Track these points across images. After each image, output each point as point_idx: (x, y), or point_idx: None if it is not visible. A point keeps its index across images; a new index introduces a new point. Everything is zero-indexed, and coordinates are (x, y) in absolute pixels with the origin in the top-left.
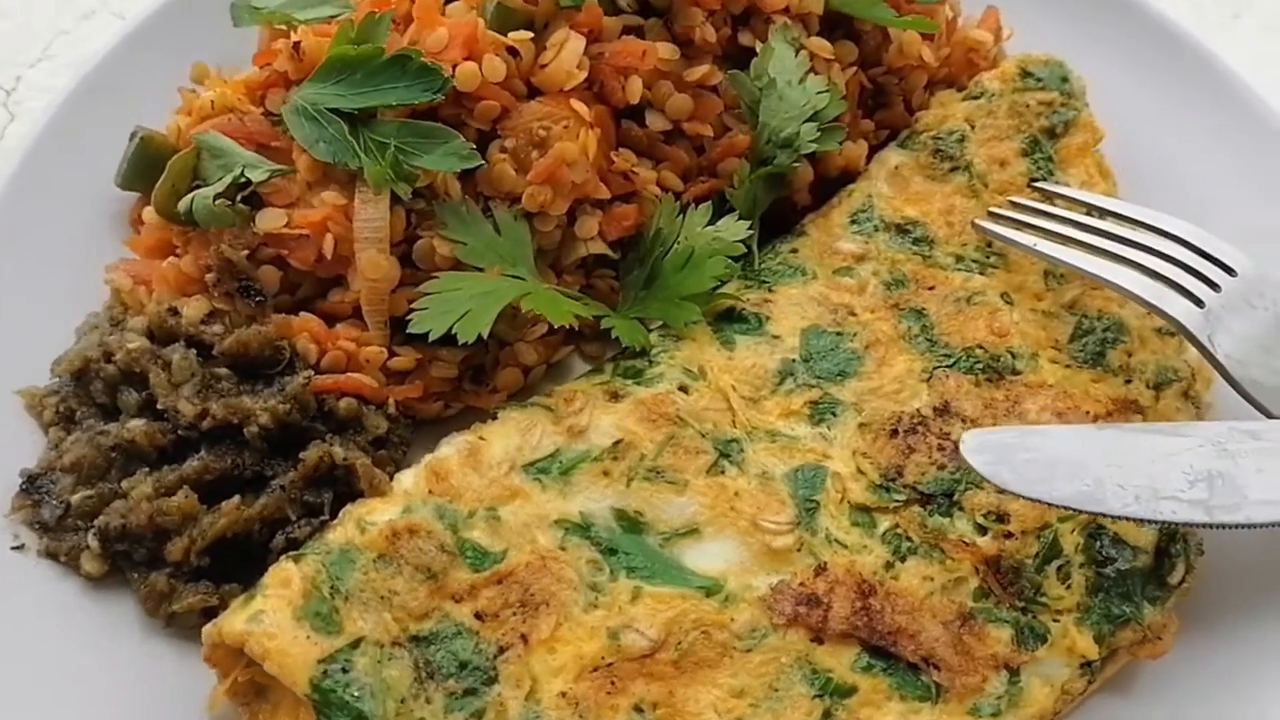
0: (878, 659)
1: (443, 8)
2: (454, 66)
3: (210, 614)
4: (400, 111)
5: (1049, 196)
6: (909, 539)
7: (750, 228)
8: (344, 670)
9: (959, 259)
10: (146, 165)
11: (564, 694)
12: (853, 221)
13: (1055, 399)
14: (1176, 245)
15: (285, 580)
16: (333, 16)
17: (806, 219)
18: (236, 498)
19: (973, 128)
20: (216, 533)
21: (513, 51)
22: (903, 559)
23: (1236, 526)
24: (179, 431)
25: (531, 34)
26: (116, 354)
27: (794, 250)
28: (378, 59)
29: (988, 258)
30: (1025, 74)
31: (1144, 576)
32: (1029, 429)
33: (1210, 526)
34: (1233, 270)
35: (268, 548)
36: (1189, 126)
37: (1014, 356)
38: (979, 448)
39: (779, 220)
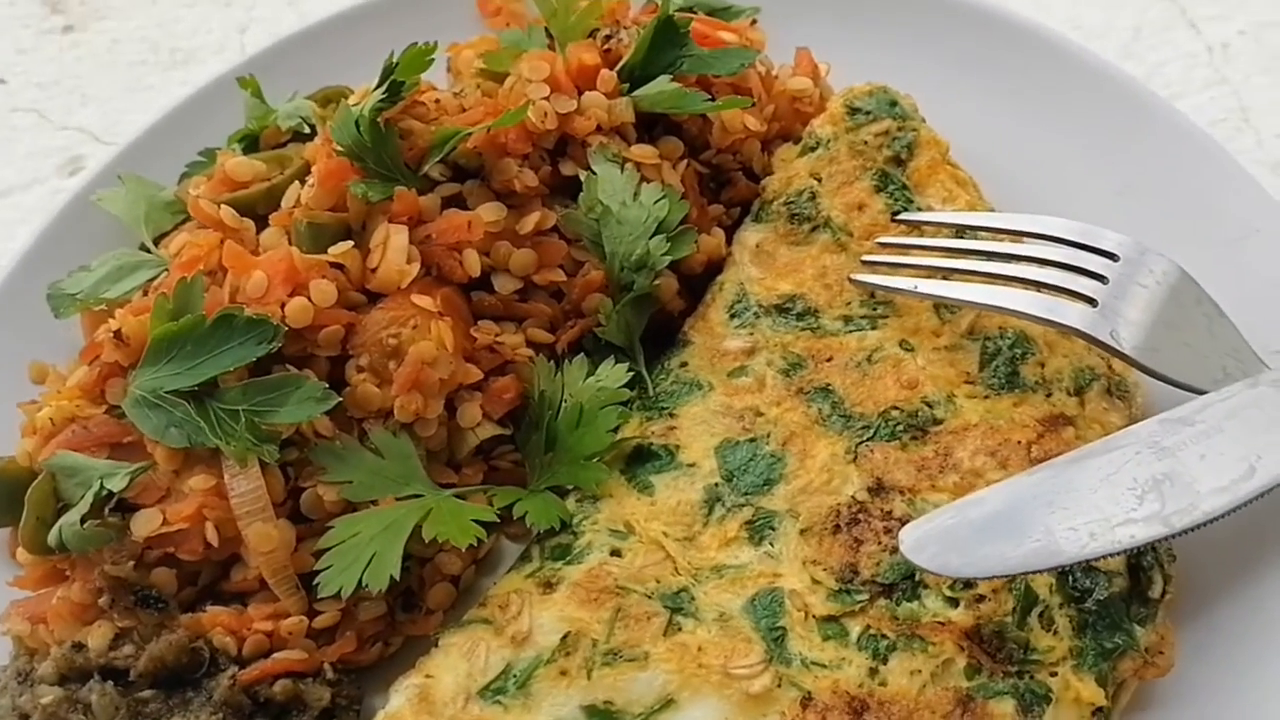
0: None
1: (256, 243)
2: (282, 306)
3: None
4: (240, 373)
5: (915, 226)
6: (884, 636)
7: (630, 368)
8: None
9: (847, 320)
10: (8, 498)
11: None
12: (732, 316)
13: (984, 437)
14: (1054, 245)
15: None
16: (149, 280)
17: (686, 325)
18: None
19: (819, 180)
20: None
21: (337, 266)
22: (884, 660)
23: (1199, 527)
24: None
25: (350, 242)
26: (32, 715)
27: (684, 364)
28: (201, 327)
29: (875, 309)
30: (853, 110)
31: (1125, 599)
32: (962, 503)
33: (1173, 537)
34: (1114, 255)
35: None
36: (1023, 105)
37: (930, 406)
38: (919, 544)
39: (660, 332)
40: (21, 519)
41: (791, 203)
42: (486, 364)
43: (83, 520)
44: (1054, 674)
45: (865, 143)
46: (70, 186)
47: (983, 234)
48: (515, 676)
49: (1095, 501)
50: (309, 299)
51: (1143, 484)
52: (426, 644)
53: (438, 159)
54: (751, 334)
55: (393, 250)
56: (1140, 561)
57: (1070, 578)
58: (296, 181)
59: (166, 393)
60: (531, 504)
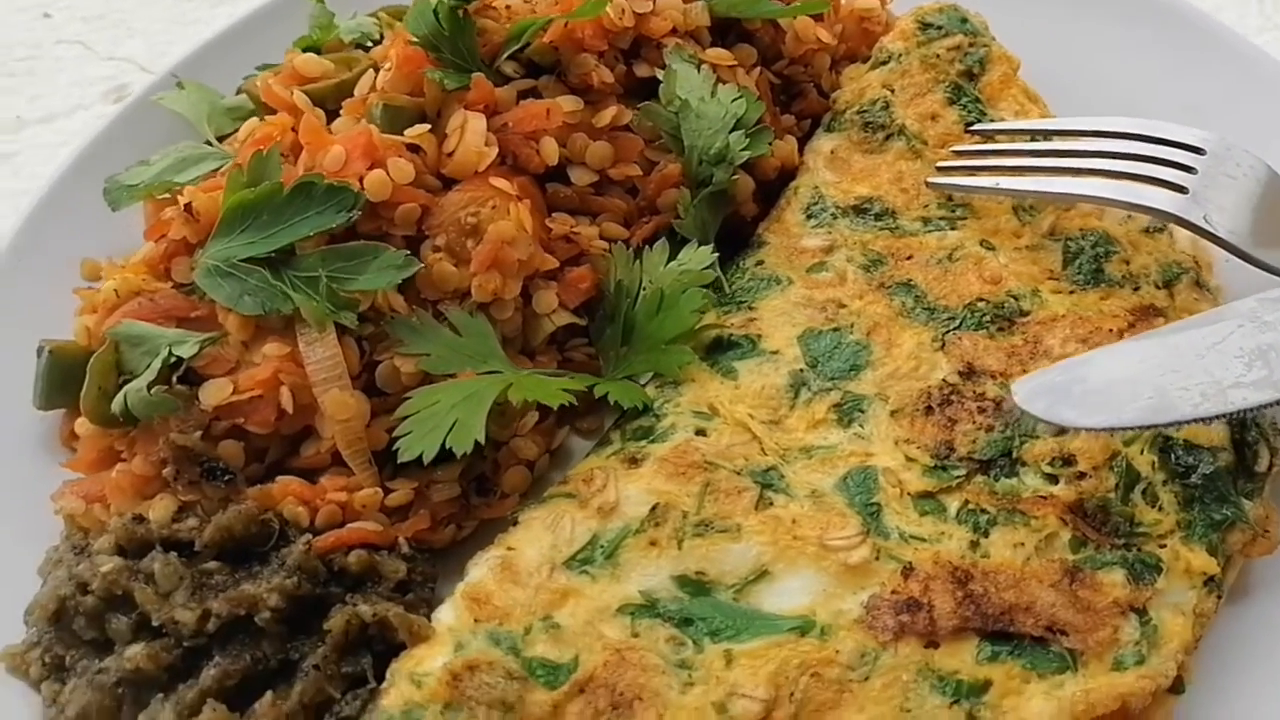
0: (1000, 644)
1: (326, 127)
2: (360, 180)
3: None
4: (318, 241)
5: (990, 136)
6: (984, 511)
7: (711, 252)
8: None
9: (925, 221)
10: (64, 378)
11: None
12: (808, 217)
13: (1074, 327)
14: (1136, 143)
15: None
16: (215, 169)
17: (760, 228)
18: (269, 694)
19: (892, 92)
20: None
21: (414, 149)
22: (985, 534)
23: None
24: (184, 644)
25: (428, 126)
26: (92, 583)
27: (759, 263)
28: (279, 195)
29: (954, 211)
30: (924, 26)
31: (1231, 474)
32: (1072, 362)
33: None
34: (1200, 149)
35: None
36: (1090, 28)
37: (1016, 299)
38: (1032, 394)
39: (733, 238)
40: (81, 392)
41: (864, 111)
42: (562, 254)
43: (149, 387)
44: (1163, 546)
45: (937, 56)
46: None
47: (1060, 139)
48: (603, 547)
49: (1204, 366)
50: (387, 174)
51: (1249, 353)
52: (501, 529)
53: (513, 50)
54: (829, 233)
55: (470, 134)
56: (1245, 437)
57: (1173, 455)
58: (371, 70)
59: (240, 261)
60: (612, 386)
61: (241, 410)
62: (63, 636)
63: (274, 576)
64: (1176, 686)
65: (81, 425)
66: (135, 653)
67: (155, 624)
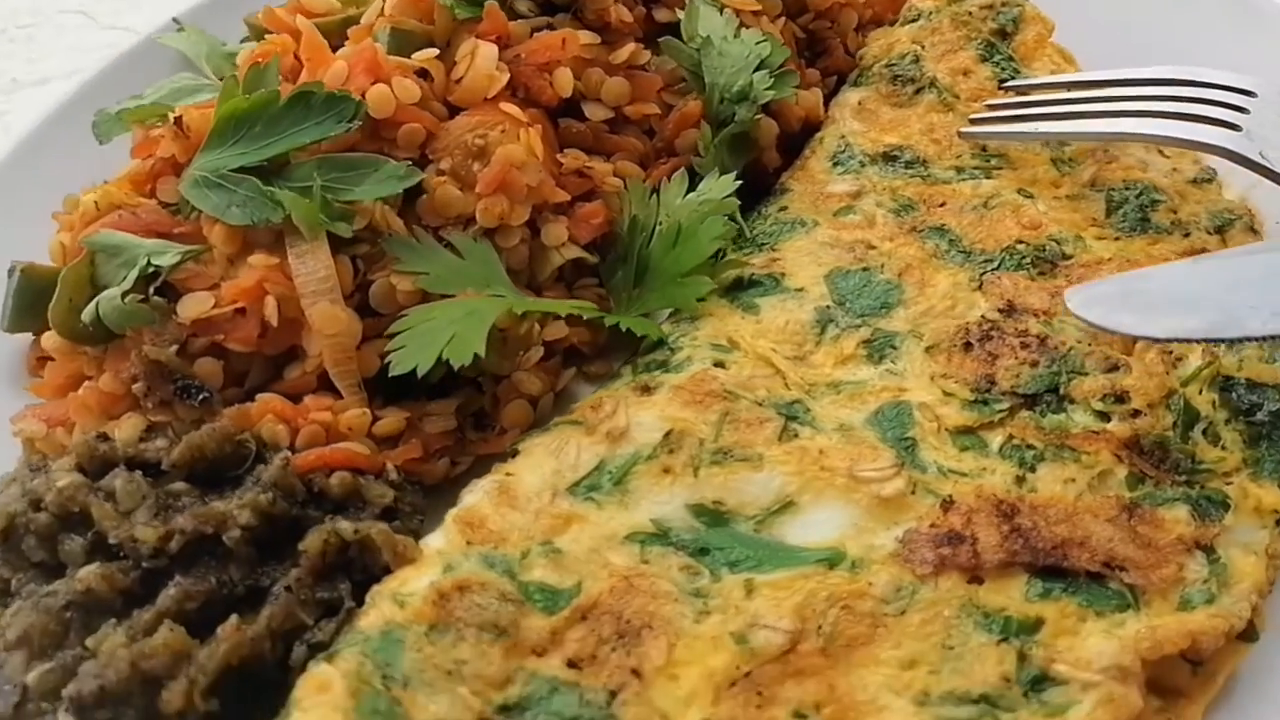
0: (1052, 581)
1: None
2: (362, 95)
3: None
4: (314, 151)
5: (1024, 91)
6: (1030, 447)
7: (736, 178)
8: None
9: (959, 170)
10: (34, 298)
11: None
12: (835, 164)
13: (1121, 268)
14: (1183, 87)
15: (323, 685)
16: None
17: (783, 178)
18: (234, 617)
19: (922, 48)
20: (219, 664)
21: (422, 74)
22: (1032, 469)
23: None
24: (143, 565)
25: (437, 51)
26: (46, 498)
27: (783, 208)
28: (275, 104)
29: (988, 161)
30: None
31: None
32: (1130, 275)
33: None
34: (1251, 92)
35: (287, 666)
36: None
37: (1058, 243)
38: (1087, 302)
39: (755, 189)
40: (51, 304)
41: (893, 65)
42: (574, 189)
43: (124, 297)
44: (1229, 483)
45: (970, 14)
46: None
47: (1101, 88)
48: (610, 473)
49: (1270, 287)
50: (391, 91)
51: None
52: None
53: None
54: (857, 178)
55: (481, 59)
56: None
57: (1235, 393)
58: (378, 2)
59: (230, 171)
60: (624, 319)
61: (221, 326)
62: (10, 559)
63: (247, 493)
64: (1249, 633)
65: (49, 339)
66: (88, 573)
67: (112, 543)
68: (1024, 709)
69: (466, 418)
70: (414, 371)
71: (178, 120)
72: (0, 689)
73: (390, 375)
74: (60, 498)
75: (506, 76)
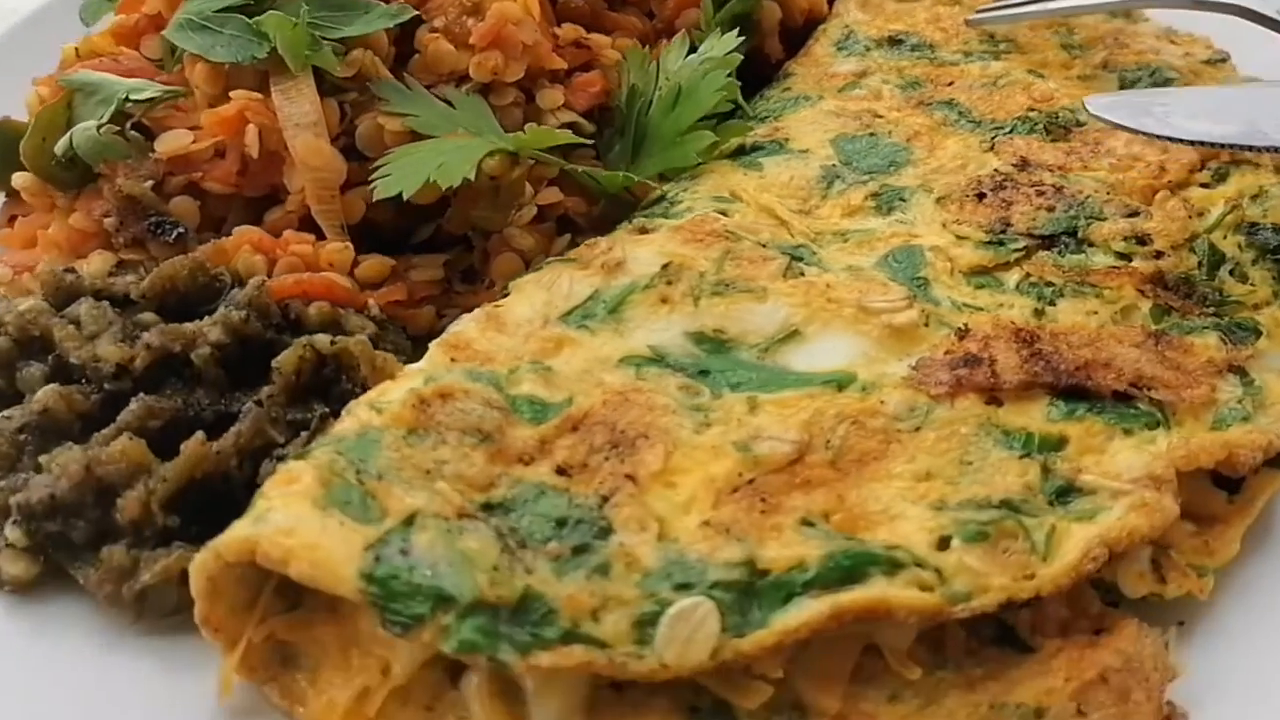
0: (1076, 401)
1: None
2: None
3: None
4: None
5: None
6: (1049, 283)
7: (738, 35)
8: (403, 553)
9: (967, 54)
10: (6, 151)
11: (707, 523)
12: (839, 49)
13: (1133, 141)
14: None
15: (292, 478)
16: None
17: (787, 65)
18: (200, 433)
19: None
20: (181, 475)
21: None
22: (1051, 303)
23: None
24: (105, 386)
25: None
26: (6, 320)
27: (786, 89)
28: None
29: (997, 46)
30: None
31: None
32: (1151, 91)
33: None
34: None
35: (254, 486)
36: None
37: (1072, 112)
38: (1110, 106)
39: (757, 78)
40: (23, 140)
41: None
42: (572, 60)
43: (99, 128)
44: (1258, 313)
45: None
46: None
47: None
48: (605, 302)
49: None
50: None
51: None
52: None
53: None
54: (863, 60)
55: None
56: None
57: (1260, 235)
58: None
59: (216, 12)
60: (618, 176)
61: (200, 164)
62: None
63: (219, 314)
64: None
65: (20, 178)
66: (45, 392)
67: (73, 363)
68: (1049, 514)
69: (455, 272)
70: (402, 225)
71: None
72: None
73: (375, 199)
74: (20, 320)
75: None
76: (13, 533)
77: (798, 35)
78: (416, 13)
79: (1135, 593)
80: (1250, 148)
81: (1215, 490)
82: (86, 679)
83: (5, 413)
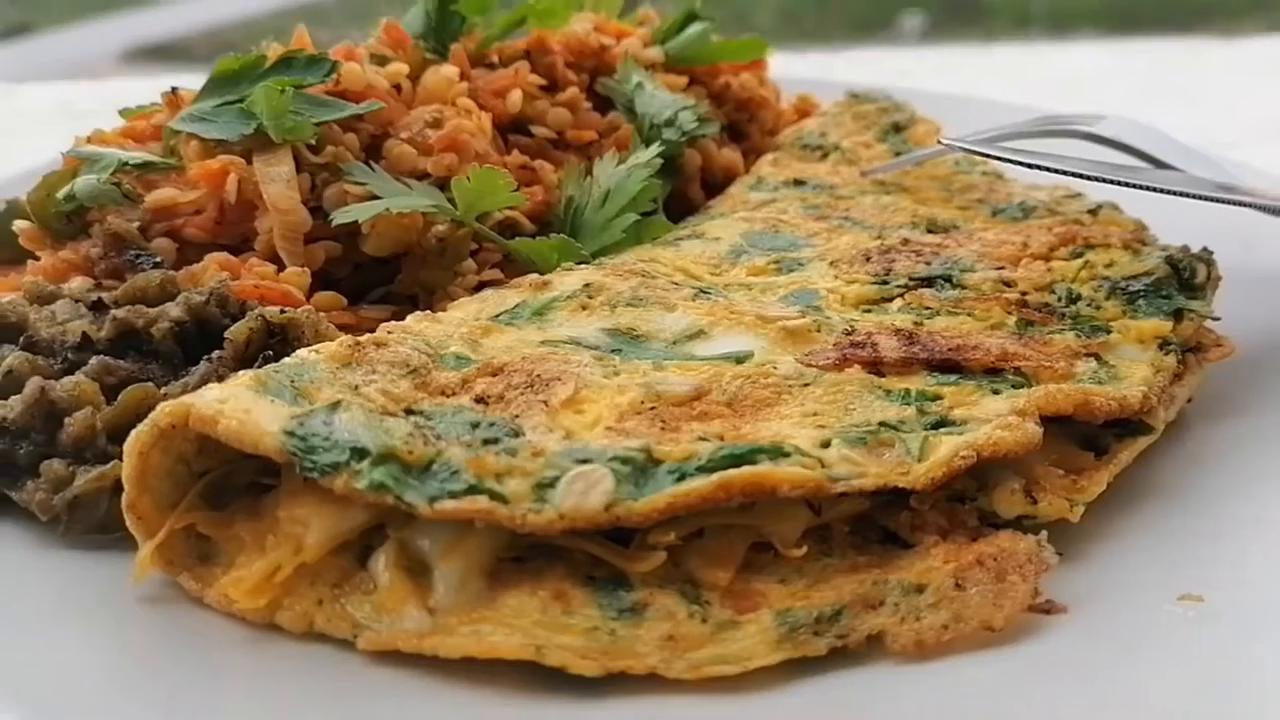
0: (950, 374)
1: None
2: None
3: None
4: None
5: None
6: (926, 308)
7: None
8: (325, 424)
9: (863, 191)
10: (10, 229)
11: (610, 428)
12: (752, 189)
13: (1005, 230)
14: (1053, 117)
15: (231, 379)
16: None
17: (707, 203)
18: (150, 383)
19: (826, 133)
20: (126, 408)
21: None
22: (930, 319)
23: (1249, 204)
24: (69, 356)
25: (408, 70)
26: None
27: (705, 211)
28: (262, 64)
29: (887, 189)
30: (854, 96)
31: (1170, 284)
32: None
33: (1229, 202)
34: (1103, 115)
35: None
36: None
37: (950, 220)
38: (962, 141)
39: (678, 220)
40: (28, 194)
41: (802, 139)
42: (519, 178)
43: (99, 181)
44: (1112, 323)
45: (867, 113)
46: None
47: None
48: (530, 307)
49: (1148, 178)
50: (363, 71)
51: (1186, 184)
52: None
53: (493, 40)
54: (773, 194)
55: (445, 70)
56: (1178, 264)
57: (1110, 282)
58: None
59: (214, 107)
60: (549, 243)
61: (182, 212)
62: None
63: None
64: (1145, 428)
65: (22, 225)
66: (12, 357)
67: (43, 337)
68: (924, 434)
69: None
70: (357, 281)
71: (172, 90)
72: None
73: (333, 224)
74: (0, 306)
75: (465, 87)
76: None
77: (717, 189)
78: (384, 106)
79: (1009, 512)
80: (1081, 175)
81: (1083, 452)
82: (4, 580)
83: None
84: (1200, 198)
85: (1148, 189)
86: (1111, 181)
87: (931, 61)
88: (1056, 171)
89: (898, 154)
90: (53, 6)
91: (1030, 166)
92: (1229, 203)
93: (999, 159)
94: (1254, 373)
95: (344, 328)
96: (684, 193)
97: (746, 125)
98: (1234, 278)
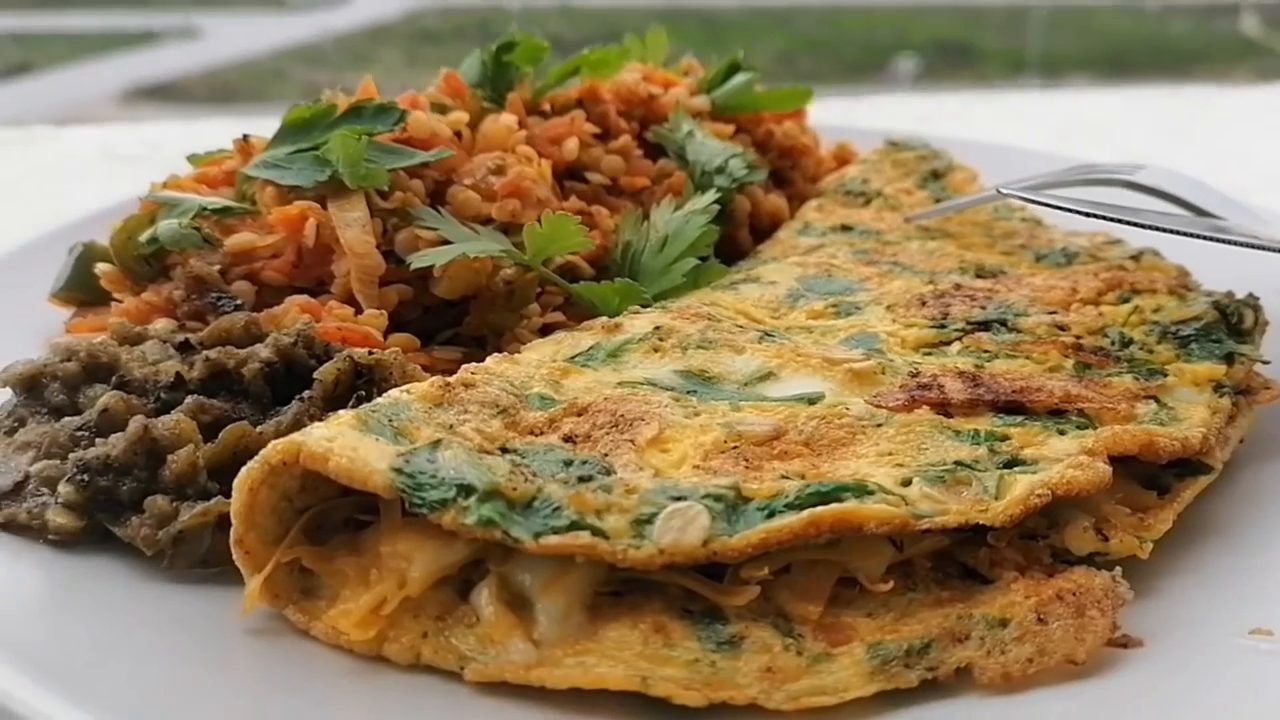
0: (1015, 415)
1: None
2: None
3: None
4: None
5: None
6: (985, 351)
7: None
8: (430, 461)
9: (908, 237)
10: (89, 268)
11: (698, 467)
12: (800, 234)
13: (1053, 275)
14: (1092, 167)
15: (333, 418)
16: None
17: (757, 247)
18: (245, 421)
19: (869, 178)
20: (226, 445)
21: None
22: (989, 361)
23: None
24: (162, 396)
25: (468, 118)
26: (78, 351)
27: (756, 255)
28: (333, 113)
29: (932, 234)
30: (893, 144)
31: (1220, 328)
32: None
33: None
34: (1142, 165)
35: None
36: None
37: (997, 266)
38: (1016, 188)
39: (728, 264)
40: (112, 234)
41: (845, 184)
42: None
43: (180, 224)
44: (1166, 367)
45: (907, 160)
46: None
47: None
48: (605, 349)
49: (1185, 224)
50: (428, 121)
51: (1223, 230)
52: None
53: (547, 89)
54: (820, 239)
55: (504, 120)
56: (1227, 309)
57: (1161, 326)
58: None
59: (288, 155)
60: (615, 287)
61: (261, 256)
62: (29, 404)
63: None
64: (1206, 467)
65: (104, 268)
66: (108, 396)
67: (137, 377)
68: (999, 472)
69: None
70: (428, 323)
71: (244, 138)
72: (3, 470)
73: (410, 269)
74: (92, 348)
75: (524, 134)
76: (65, 489)
77: (764, 234)
78: (453, 154)
79: (1082, 549)
80: (1145, 225)
81: (1146, 491)
82: (115, 612)
83: (67, 419)
84: (1251, 246)
85: (1201, 237)
86: (1164, 230)
87: (950, 107)
88: (1111, 220)
89: (937, 200)
90: (53, 46)
91: (1087, 215)
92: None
93: (1057, 208)
94: None
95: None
96: (733, 237)
97: (790, 172)
98: (1277, 322)
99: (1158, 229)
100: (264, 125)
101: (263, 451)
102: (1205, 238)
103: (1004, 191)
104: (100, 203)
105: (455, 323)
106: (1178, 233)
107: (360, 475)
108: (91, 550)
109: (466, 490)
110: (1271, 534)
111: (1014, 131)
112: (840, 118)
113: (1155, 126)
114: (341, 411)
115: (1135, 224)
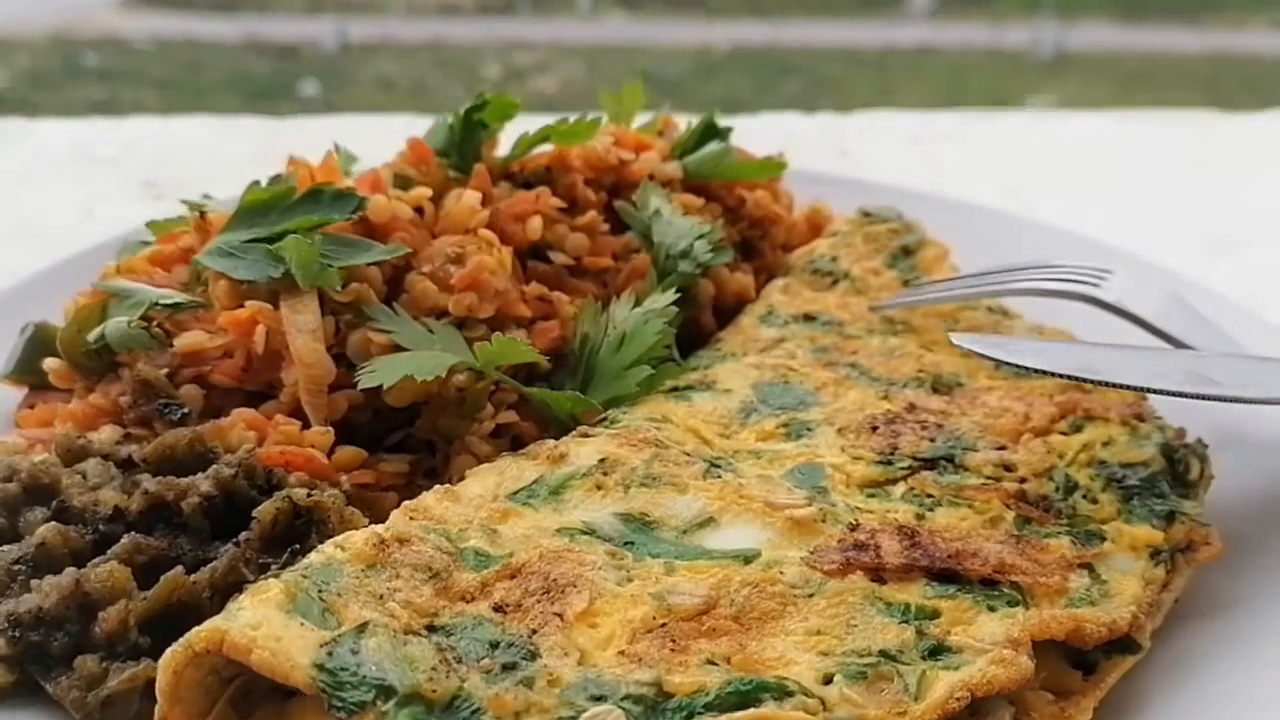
0: (948, 584)
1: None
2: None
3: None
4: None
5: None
6: (929, 495)
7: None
8: (353, 652)
9: (869, 331)
10: (41, 351)
11: (623, 653)
12: (763, 322)
13: (1008, 393)
14: (1052, 269)
15: (263, 589)
16: None
17: (719, 334)
18: (179, 568)
19: (839, 254)
20: (159, 598)
21: (417, 211)
22: (931, 510)
23: (1222, 399)
24: (100, 528)
25: (431, 192)
26: (19, 470)
27: (716, 349)
28: (291, 196)
29: (895, 327)
30: (866, 215)
31: (1165, 478)
32: (1009, 339)
33: (1201, 397)
34: (1110, 270)
35: None
36: None
37: (955, 376)
38: (969, 340)
39: (691, 347)
40: (60, 331)
41: (815, 263)
42: (536, 311)
43: (129, 323)
44: (1105, 527)
45: (879, 234)
46: None
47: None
48: (548, 485)
49: (1133, 363)
50: (389, 203)
51: (1179, 371)
52: None
53: (514, 156)
54: (781, 330)
55: (467, 198)
56: (1174, 455)
57: (1108, 469)
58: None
59: (242, 242)
60: (566, 397)
61: (210, 358)
62: None
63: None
64: (1133, 646)
65: (52, 363)
66: (44, 529)
67: (76, 505)
68: (921, 665)
69: (419, 470)
70: (377, 428)
71: (201, 213)
72: None
73: (360, 388)
74: (34, 469)
75: (486, 214)
76: None
77: (729, 314)
78: (409, 251)
79: None
80: (1084, 380)
81: (1072, 671)
82: None
83: (3, 548)
84: (1188, 396)
85: (1169, 394)
86: (1129, 388)
87: (942, 126)
88: (1064, 377)
89: (906, 282)
90: None
91: (1040, 373)
92: (1213, 399)
93: (1009, 364)
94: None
95: (363, 486)
96: (696, 320)
97: (759, 242)
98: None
99: (1124, 387)
100: None
101: (187, 636)
102: (1152, 391)
103: (955, 340)
104: (49, 259)
105: (408, 423)
106: (1141, 389)
107: (282, 671)
108: (22, 703)
109: (386, 693)
110: (1196, 710)
111: (1005, 154)
112: (831, 134)
113: (1149, 158)
114: (271, 581)
115: (1100, 383)
